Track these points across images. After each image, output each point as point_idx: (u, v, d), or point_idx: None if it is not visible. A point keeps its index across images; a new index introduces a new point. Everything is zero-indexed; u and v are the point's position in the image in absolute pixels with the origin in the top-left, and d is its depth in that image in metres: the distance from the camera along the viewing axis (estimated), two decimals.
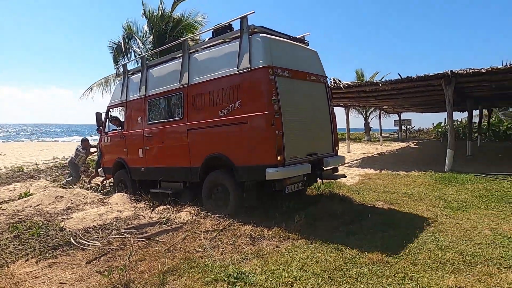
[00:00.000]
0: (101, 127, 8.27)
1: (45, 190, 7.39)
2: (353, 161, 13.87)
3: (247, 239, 4.42)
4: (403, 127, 30.89)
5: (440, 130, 26.88)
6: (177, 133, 6.21)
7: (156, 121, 6.73)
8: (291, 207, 5.57)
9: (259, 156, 5.05)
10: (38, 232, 4.76)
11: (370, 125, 32.59)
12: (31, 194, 7.35)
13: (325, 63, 6.48)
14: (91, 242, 4.44)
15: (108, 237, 4.65)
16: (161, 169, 6.68)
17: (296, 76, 5.49)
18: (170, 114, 6.45)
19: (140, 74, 7.21)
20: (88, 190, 8.36)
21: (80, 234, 4.69)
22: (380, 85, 11.81)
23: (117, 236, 4.68)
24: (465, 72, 9.54)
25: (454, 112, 12.24)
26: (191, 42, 10.74)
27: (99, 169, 8.68)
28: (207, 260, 3.79)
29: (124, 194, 7.02)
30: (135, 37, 15.50)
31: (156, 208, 6.01)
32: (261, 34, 5.24)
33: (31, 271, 3.66)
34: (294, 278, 3.32)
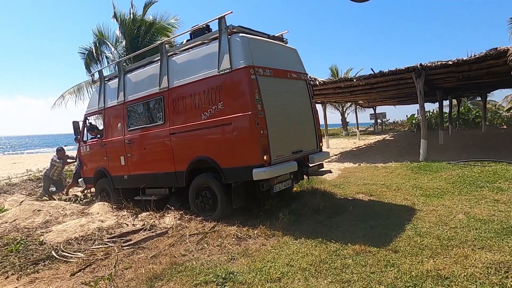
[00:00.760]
0: (79, 136, 8.05)
1: (20, 205, 7.14)
2: (332, 156, 14.12)
3: (233, 239, 4.46)
4: (378, 121, 31.72)
5: (413, 121, 27.76)
6: (159, 138, 6.10)
7: (136, 127, 6.58)
8: (274, 205, 5.63)
9: (245, 157, 5.02)
10: (17, 248, 4.60)
11: (347, 120, 33.32)
12: (6, 210, 7.08)
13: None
14: (74, 254, 4.35)
15: (92, 247, 4.57)
16: (145, 176, 6.55)
17: (277, 74, 5.49)
18: (151, 119, 6.33)
19: (117, 79, 7.05)
20: (66, 201, 8.14)
21: (61, 247, 4.58)
22: (355, 80, 12.13)
23: (100, 246, 4.60)
24: (433, 64, 9.96)
25: (425, 104, 12.76)
26: (166, 45, 10.70)
27: (79, 179, 8.43)
28: (194, 263, 3.80)
29: (105, 203, 6.88)
30: (107, 42, 15.17)
31: (139, 215, 5.94)
32: (240, 34, 5.20)
33: None
34: (281, 274, 3.39)
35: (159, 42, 6.92)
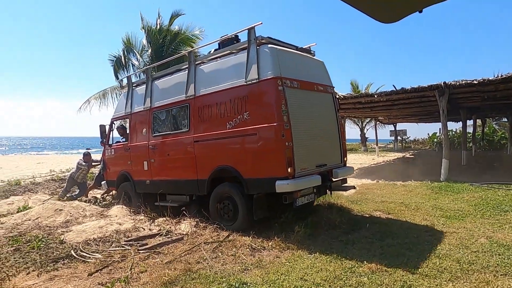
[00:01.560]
0: (104, 140, 8.24)
1: (43, 204, 7.39)
2: None
3: (247, 250, 4.47)
4: (398, 138, 31.17)
5: (435, 140, 27.12)
6: (183, 145, 6.15)
7: (161, 133, 6.67)
8: (290, 218, 5.60)
9: (268, 168, 4.99)
10: (38, 245, 4.76)
11: (366, 136, 32.88)
12: (30, 208, 7.33)
13: None
14: (92, 255, 4.46)
15: (109, 249, 4.67)
16: (166, 182, 6.59)
17: (304, 86, 5.45)
18: (176, 126, 6.39)
19: (144, 86, 7.20)
20: (86, 203, 8.36)
21: (80, 247, 4.71)
22: (376, 96, 12.03)
23: (117, 248, 4.70)
24: (457, 83, 9.77)
25: (448, 122, 12.46)
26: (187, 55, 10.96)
27: (102, 182, 8.62)
28: (208, 271, 3.82)
29: (124, 206, 7.03)
30: (134, 50, 15.71)
31: (156, 220, 6.03)
32: (269, 45, 5.22)
33: (33, 284, 3.67)
34: None
35: (187, 50, 7.09)
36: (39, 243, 4.85)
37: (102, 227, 5.67)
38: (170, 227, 5.52)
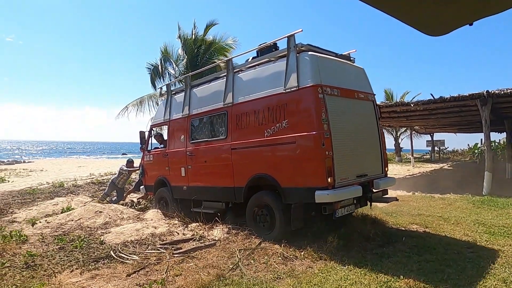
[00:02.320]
0: (144, 146, 8.51)
1: (85, 205, 7.80)
2: None
3: (279, 258, 4.46)
4: (436, 148, 29.84)
5: (476, 151, 25.69)
6: (220, 152, 6.17)
7: (199, 140, 6.73)
8: (322, 228, 5.53)
9: (307, 177, 4.90)
10: (81, 245, 5.04)
11: (401, 146, 31.78)
12: (72, 209, 7.76)
13: None
14: (129, 256, 4.64)
15: (145, 251, 4.85)
16: (203, 188, 6.64)
17: (344, 94, 5.34)
18: (213, 133, 6.41)
19: (183, 93, 7.32)
20: (123, 206, 8.71)
21: (119, 248, 4.92)
22: (412, 105, 11.63)
23: (153, 251, 4.87)
24: (502, 92, 9.25)
25: (491, 133, 11.80)
26: (221, 65, 11.24)
27: (140, 187, 8.90)
28: (240, 278, 3.86)
29: (159, 210, 7.26)
30: (171, 59, 16.29)
31: (189, 225, 6.18)
32: (309, 53, 5.14)
33: (77, 282, 3.88)
34: None
35: (223, 59, 7.21)
36: (82, 242, 5.14)
37: (139, 230, 5.90)
38: (203, 233, 5.63)
